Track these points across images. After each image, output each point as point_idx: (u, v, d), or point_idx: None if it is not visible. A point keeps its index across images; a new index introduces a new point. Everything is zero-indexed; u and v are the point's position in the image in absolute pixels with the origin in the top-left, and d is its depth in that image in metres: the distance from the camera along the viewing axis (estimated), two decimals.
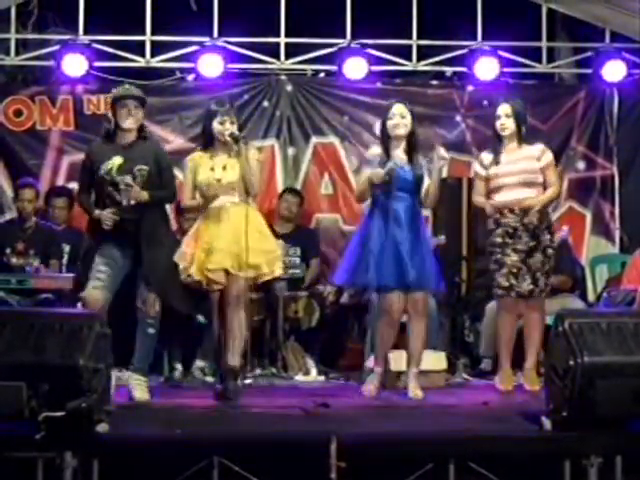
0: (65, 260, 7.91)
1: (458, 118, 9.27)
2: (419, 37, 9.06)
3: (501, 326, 6.92)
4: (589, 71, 9.24)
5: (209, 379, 7.44)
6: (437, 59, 9.14)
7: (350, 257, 6.59)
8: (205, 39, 8.84)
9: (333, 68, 9.03)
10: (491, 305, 7.56)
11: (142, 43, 8.93)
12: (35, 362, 4.69)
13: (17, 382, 4.63)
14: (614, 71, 8.96)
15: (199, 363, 7.69)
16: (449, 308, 8.27)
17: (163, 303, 6.30)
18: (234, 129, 6.38)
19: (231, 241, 6.28)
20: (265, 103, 9.13)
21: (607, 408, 4.86)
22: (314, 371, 7.96)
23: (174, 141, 8.95)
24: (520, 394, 6.69)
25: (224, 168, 6.38)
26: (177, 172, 6.81)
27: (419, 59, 9.13)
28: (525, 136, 6.97)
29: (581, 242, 9.25)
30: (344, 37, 8.95)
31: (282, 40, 9.01)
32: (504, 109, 6.91)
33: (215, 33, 8.86)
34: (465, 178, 8.05)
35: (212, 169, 6.38)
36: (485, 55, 8.91)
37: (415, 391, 6.45)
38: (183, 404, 6.24)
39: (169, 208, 6.69)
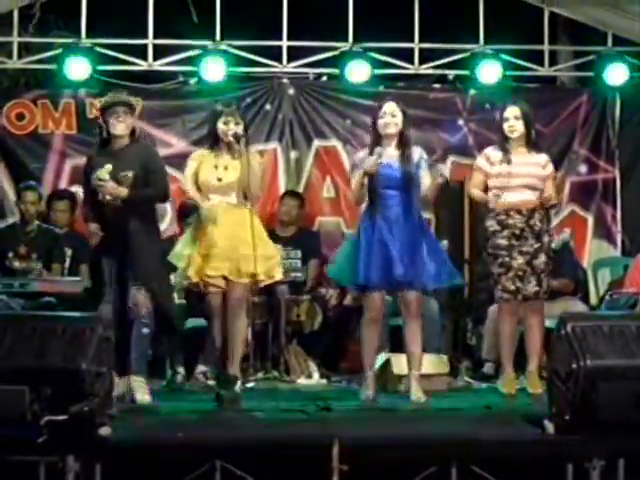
0: (67, 263, 7.91)
1: (460, 122, 9.27)
2: (421, 40, 9.06)
3: (503, 329, 6.91)
4: (591, 74, 9.25)
5: (211, 383, 7.44)
6: (439, 62, 9.15)
7: (340, 256, 6.62)
8: (207, 42, 8.85)
9: (335, 71, 9.04)
10: (493, 308, 7.54)
11: (144, 46, 8.94)
12: (37, 366, 4.68)
13: (19, 386, 4.63)
14: (616, 74, 8.96)
15: (201, 367, 7.68)
16: (451, 311, 8.27)
17: (154, 302, 6.27)
18: (238, 129, 6.35)
19: (229, 247, 6.26)
20: (267, 106, 9.14)
21: (609, 411, 4.85)
22: (316, 374, 7.96)
23: (176, 144, 8.97)
24: (523, 397, 6.68)
25: (226, 168, 6.36)
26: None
27: (421, 62, 9.13)
28: (534, 140, 6.94)
29: (583, 245, 9.25)
30: (346, 40, 8.95)
31: (284, 43, 9.01)
32: (513, 111, 6.87)
33: (217, 36, 8.87)
34: (467, 181, 8.04)
35: (215, 167, 6.36)
36: (487, 58, 8.92)
37: (417, 394, 6.44)
38: (185, 408, 6.23)
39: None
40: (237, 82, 9.02)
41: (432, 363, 7.07)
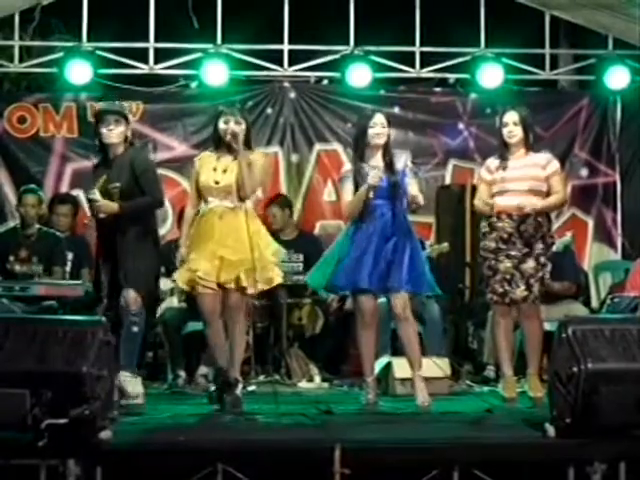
0: (68, 267, 7.91)
1: (461, 125, 9.29)
2: (422, 44, 9.07)
3: (497, 333, 6.86)
4: (592, 78, 9.26)
5: (212, 386, 7.43)
6: (440, 66, 9.16)
7: (323, 262, 6.61)
8: (209, 46, 8.87)
9: (336, 75, 9.05)
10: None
11: (146, 50, 8.95)
12: (38, 369, 4.68)
13: (20, 389, 4.62)
14: (617, 78, 8.98)
15: (203, 370, 7.68)
16: (453, 315, 8.27)
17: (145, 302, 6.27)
18: (237, 129, 6.26)
19: (227, 253, 6.20)
20: (268, 110, 9.15)
21: (611, 415, 4.85)
22: (318, 378, 7.95)
23: (178, 148, 8.98)
24: (523, 401, 6.68)
25: (224, 171, 6.27)
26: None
27: (422, 66, 9.14)
28: (532, 144, 6.94)
29: (583, 249, 9.26)
30: (347, 44, 8.97)
31: (285, 47, 9.03)
32: (512, 116, 6.86)
33: (219, 40, 8.88)
34: (468, 185, 8.06)
35: (214, 169, 6.29)
36: (488, 62, 8.93)
37: (422, 394, 6.40)
38: (186, 411, 6.23)
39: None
40: (238, 86, 9.03)
41: (433, 366, 7.06)
